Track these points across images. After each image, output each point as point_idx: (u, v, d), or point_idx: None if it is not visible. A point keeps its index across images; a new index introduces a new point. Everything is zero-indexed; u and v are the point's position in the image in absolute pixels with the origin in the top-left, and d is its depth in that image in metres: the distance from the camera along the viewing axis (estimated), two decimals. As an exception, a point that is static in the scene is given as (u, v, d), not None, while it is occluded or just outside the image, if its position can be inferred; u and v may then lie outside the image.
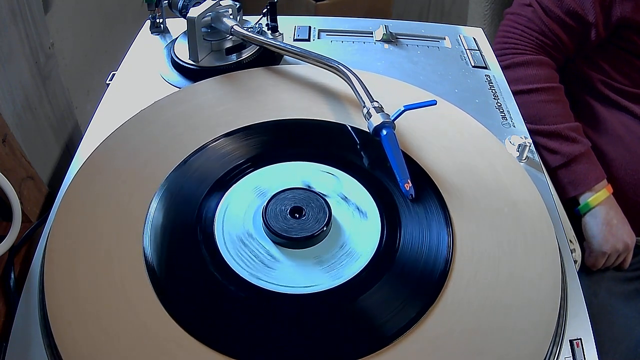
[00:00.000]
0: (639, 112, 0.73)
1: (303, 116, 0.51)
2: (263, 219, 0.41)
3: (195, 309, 0.37)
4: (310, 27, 0.67)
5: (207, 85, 0.55)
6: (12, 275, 0.43)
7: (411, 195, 0.43)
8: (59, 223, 0.41)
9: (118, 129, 0.49)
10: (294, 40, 0.65)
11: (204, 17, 0.56)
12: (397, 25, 0.68)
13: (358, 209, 0.43)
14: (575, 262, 0.44)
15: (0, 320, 0.40)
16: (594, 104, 0.77)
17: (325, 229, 0.41)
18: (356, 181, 0.45)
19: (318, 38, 0.66)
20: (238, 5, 0.60)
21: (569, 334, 0.38)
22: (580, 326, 0.38)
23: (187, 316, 0.36)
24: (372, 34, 0.67)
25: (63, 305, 0.36)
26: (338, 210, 0.43)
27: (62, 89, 0.69)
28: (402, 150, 0.45)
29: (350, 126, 0.50)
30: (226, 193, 0.44)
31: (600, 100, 0.76)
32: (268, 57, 0.60)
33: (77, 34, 0.77)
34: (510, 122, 0.55)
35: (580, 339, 0.38)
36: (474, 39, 0.68)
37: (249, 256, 0.40)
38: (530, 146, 0.51)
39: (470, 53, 0.65)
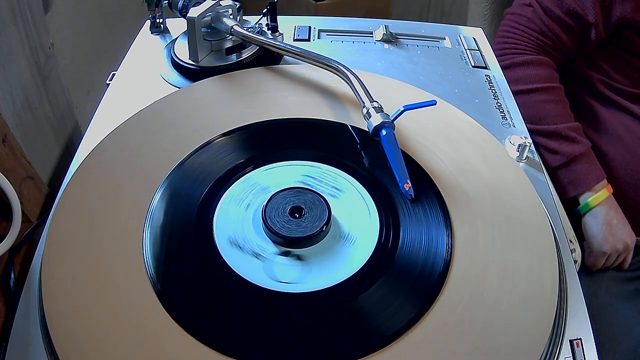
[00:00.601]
0: (639, 112, 0.73)
1: (303, 116, 0.51)
2: (263, 219, 0.41)
3: (195, 308, 0.36)
4: (310, 27, 0.67)
5: (206, 84, 0.55)
6: (12, 275, 0.43)
7: (411, 195, 0.43)
8: (59, 223, 0.41)
9: (117, 128, 0.49)
10: (294, 40, 0.65)
11: (204, 17, 0.56)
12: (397, 25, 0.68)
13: (358, 209, 0.43)
14: (575, 262, 0.44)
15: (0, 320, 0.40)
16: (594, 104, 0.77)
17: (325, 228, 0.41)
18: (356, 181, 0.45)
19: (318, 38, 0.66)
20: (238, 5, 0.60)
21: (569, 334, 0.38)
22: (580, 326, 0.38)
23: (186, 315, 0.36)
24: (372, 34, 0.67)
25: (62, 305, 0.36)
26: (338, 210, 0.43)
27: (62, 89, 0.69)
28: (401, 150, 0.45)
29: (350, 126, 0.50)
30: (226, 193, 0.44)
31: (600, 101, 0.76)
32: (268, 57, 0.60)
33: (77, 34, 0.77)
34: (510, 122, 0.55)
35: (580, 339, 0.38)
36: (474, 39, 0.68)
37: (249, 256, 0.40)
38: (530, 146, 0.51)
39: (470, 53, 0.65)
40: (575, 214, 0.71)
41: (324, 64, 0.53)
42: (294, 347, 0.35)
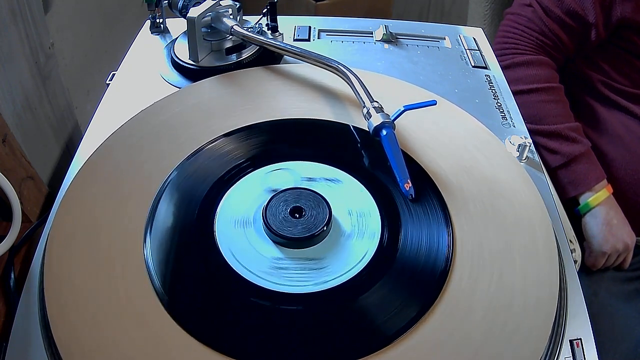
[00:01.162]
0: (639, 112, 0.73)
1: (303, 116, 0.51)
2: (263, 219, 0.41)
3: (195, 308, 0.36)
4: (310, 27, 0.67)
5: (206, 84, 0.55)
6: (12, 275, 0.43)
7: (411, 195, 0.43)
8: (59, 223, 0.41)
9: (118, 129, 0.49)
10: (294, 40, 0.65)
11: (204, 17, 0.56)
12: (397, 25, 0.68)
13: (358, 209, 0.43)
14: (575, 262, 0.44)
15: (0, 320, 0.40)
16: (594, 104, 0.77)
17: (325, 228, 0.41)
18: (356, 181, 0.45)
19: (318, 38, 0.66)
20: (238, 5, 0.60)
21: (569, 334, 0.38)
22: (580, 326, 0.38)
23: (186, 315, 0.36)
24: (372, 34, 0.67)
25: (63, 306, 0.36)
26: (338, 210, 0.43)
27: (62, 89, 0.69)
28: (402, 150, 0.45)
29: (351, 125, 0.50)
30: (226, 193, 0.44)
31: (600, 101, 0.76)
32: (268, 57, 0.60)
33: (77, 34, 0.77)
34: (510, 122, 0.55)
35: (580, 339, 0.38)
36: (474, 39, 0.68)
37: (249, 256, 0.40)
38: (530, 146, 0.51)
39: (470, 53, 0.65)
40: (575, 214, 0.71)
41: (324, 64, 0.53)
42: (295, 347, 0.35)
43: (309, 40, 0.65)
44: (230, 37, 0.58)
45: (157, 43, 0.65)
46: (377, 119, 0.46)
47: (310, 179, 0.45)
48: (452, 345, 0.35)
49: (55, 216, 0.42)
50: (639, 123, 0.73)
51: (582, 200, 0.70)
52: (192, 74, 0.58)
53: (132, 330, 0.35)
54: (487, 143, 0.49)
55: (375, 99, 0.48)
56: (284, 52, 0.56)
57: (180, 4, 0.62)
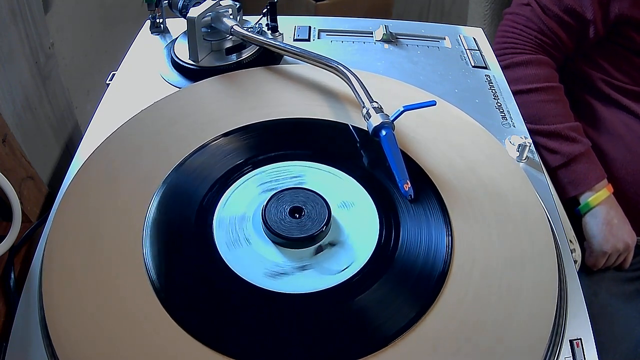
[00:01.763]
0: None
1: (303, 116, 0.51)
2: (262, 219, 0.41)
3: (195, 309, 0.36)
4: (310, 27, 0.67)
5: (206, 84, 0.55)
6: (12, 275, 0.43)
7: (410, 195, 0.43)
8: (59, 223, 0.41)
9: (118, 129, 0.49)
10: (294, 40, 0.65)
11: (204, 17, 0.56)
12: (397, 25, 0.68)
13: (357, 209, 0.43)
14: (576, 262, 0.44)
15: (0, 320, 0.40)
16: (594, 102, 0.77)
17: (324, 229, 0.41)
18: (355, 181, 0.45)
19: (318, 38, 0.66)
20: (238, 5, 0.60)
21: (569, 334, 0.38)
22: (580, 326, 0.38)
23: (186, 315, 0.36)
24: (372, 34, 0.67)
25: (63, 306, 0.36)
26: (337, 210, 0.43)
27: (62, 89, 0.69)
28: (401, 151, 0.45)
29: (351, 125, 0.50)
30: (225, 193, 0.44)
31: (601, 99, 0.76)
32: (268, 57, 0.60)
33: (77, 34, 0.77)
34: (510, 122, 0.55)
35: (580, 339, 0.38)
36: (474, 39, 0.68)
37: (249, 256, 0.40)
38: (530, 146, 0.51)
39: (470, 53, 0.65)
40: (576, 214, 0.71)
41: (324, 64, 0.53)
42: (294, 348, 0.35)
43: (309, 40, 0.65)
44: (230, 37, 0.58)
45: (157, 43, 0.65)
46: (376, 120, 0.46)
47: (309, 179, 0.45)
48: (452, 345, 0.35)
49: (55, 216, 0.42)
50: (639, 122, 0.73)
51: (582, 200, 0.70)
52: (192, 74, 0.58)
53: (131, 330, 0.35)
54: (486, 143, 0.49)
55: (374, 99, 0.48)
56: (284, 52, 0.56)
57: (180, 4, 0.62)
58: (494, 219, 0.43)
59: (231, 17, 0.58)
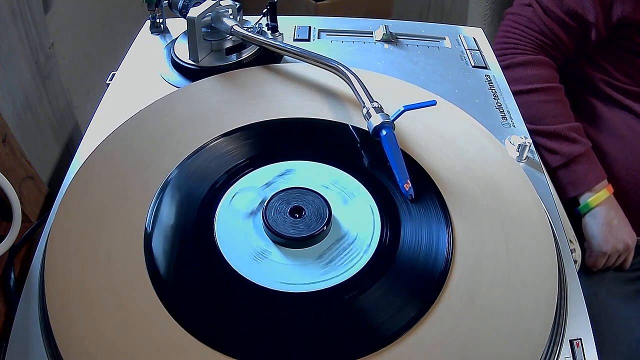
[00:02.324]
0: (641, 112, 0.73)
1: (303, 116, 0.51)
2: (263, 219, 0.41)
3: (196, 308, 0.36)
4: (310, 27, 0.67)
5: (206, 84, 0.55)
6: (12, 275, 0.43)
7: (411, 195, 0.43)
8: (59, 223, 0.41)
9: (118, 128, 0.49)
10: (294, 40, 0.65)
11: (204, 17, 0.56)
12: (397, 25, 0.68)
13: (358, 209, 0.43)
14: (575, 262, 0.44)
15: (0, 320, 0.40)
16: (595, 103, 0.77)
17: (325, 228, 0.41)
18: (356, 181, 0.45)
19: (318, 38, 0.66)
20: (238, 5, 0.60)
21: (569, 334, 0.38)
22: (580, 326, 0.38)
23: (186, 314, 0.36)
24: (372, 34, 0.67)
25: (63, 306, 0.36)
26: (338, 210, 0.43)
27: (62, 89, 0.69)
28: (402, 150, 0.45)
29: (351, 125, 0.50)
30: (226, 192, 0.44)
31: (602, 100, 0.76)
32: (268, 57, 0.60)
33: (77, 34, 0.77)
34: (510, 122, 0.55)
35: (580, 339, 0.38)
36: (474, 39, 0.67)
37: (250, 255, 0.40)
38: (530, 146, 0.51)
39: (470, 53, 0.65)
40: (576, 214, 0.71)
41: (324, 64, 0.53)
42: (295, 347, 0.35)
43: (309, 40, 0.65)
44: (230, 37, 0.58)
45: (157, 43, 0.65)
46: (376, 119, 0.46)
47: (310, 179, 0.45)
48: (452, 345, 0.35)
49: (55, 216, 0.42)
50: (640, 122, 0.73)
51: (582, 200, 0.70)
52: (192, 74, 0.58)
53: (132, 330, 0.35)
54: (486, 143, 0.49)
55: (375, 99, 0.48)
56: (284, 52, 0.56)
57: (180, 4, 0.62)
58: (495, 219, 0.43)
59: (231, 17, 0.58)
